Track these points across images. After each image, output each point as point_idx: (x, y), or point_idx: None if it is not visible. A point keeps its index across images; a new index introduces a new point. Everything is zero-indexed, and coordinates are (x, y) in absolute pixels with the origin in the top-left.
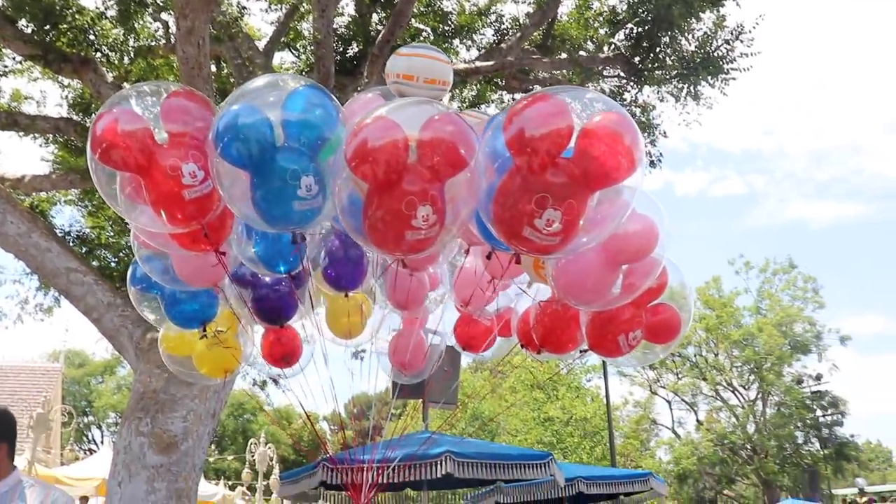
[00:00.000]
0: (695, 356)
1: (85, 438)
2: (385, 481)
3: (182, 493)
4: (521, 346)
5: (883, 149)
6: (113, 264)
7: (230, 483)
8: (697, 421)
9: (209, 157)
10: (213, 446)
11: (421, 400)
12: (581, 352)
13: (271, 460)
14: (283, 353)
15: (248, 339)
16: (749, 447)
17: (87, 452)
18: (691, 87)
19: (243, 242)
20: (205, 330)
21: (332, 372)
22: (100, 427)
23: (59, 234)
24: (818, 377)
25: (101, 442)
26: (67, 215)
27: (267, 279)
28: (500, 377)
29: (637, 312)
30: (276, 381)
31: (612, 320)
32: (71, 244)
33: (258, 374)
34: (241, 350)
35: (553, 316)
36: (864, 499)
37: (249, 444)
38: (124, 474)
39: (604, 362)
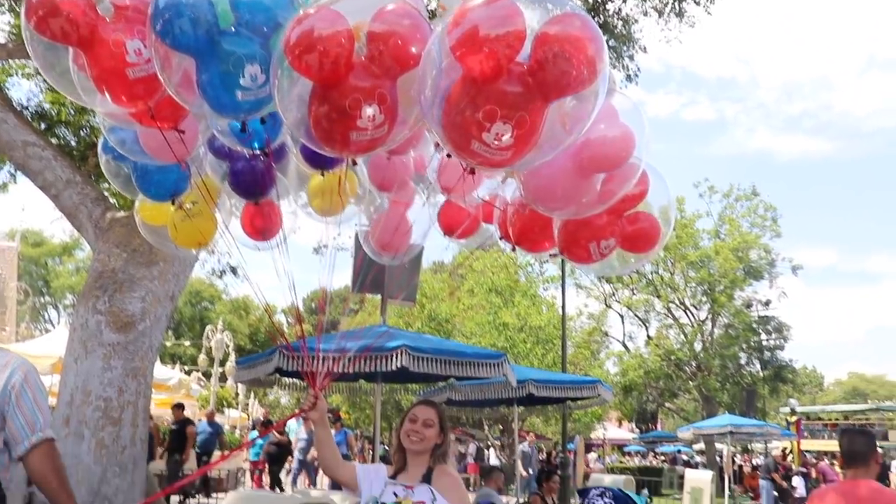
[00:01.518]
0: (651, 274)
1: (41, 318)
2: (340, 371)
3: (138, 371)
4: (500, 237)
5: (854, 88)
6: (73, 143)
7: (186, 368)
8: (648, 336)
9: (147, 37)
10: (169, 332)
11: (380, 296)
12: (551, 255)
13: (228, 348)
14: (263, 227)
15: (226, 212)
16: (694, 364)
17: (43, 332)
18: (676, 3)
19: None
20: (175, 202)
21: (294, 265)
22: (56, 308)
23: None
24: (767, 303)
25: (58, 322)
26: (25, 89)
27: (244, 152)
28: (460, 279)
29: (612, 220)
30: (234, 271)
31: (585, 226)
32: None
33: (217, 262)
34: (216, 222)
35: (529, 215)
36: (794, 418)
37: (206, 330)
38: (81, 351)
39: (562, 274)
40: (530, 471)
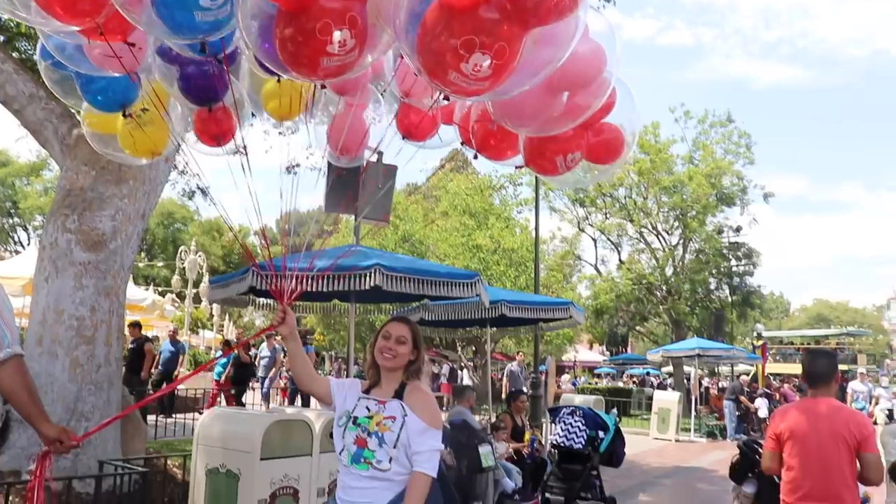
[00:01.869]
0: (624, 198)
1: (10, 240)
2: (310, 289)
3: (110, 290)
4: (462, 143)
5: (830, 15)
6: (35, 57)
7: (160, 290)
8: (619, 260)
9: None
10: (142, 254)
11: (353, 216)
12: (517, 167)
13: (201, 269)
14: (214, 132)
15: (177, 118)
16: (664, 289)
17: (13, 253)
18: None
19: None
20: (125, 112)
21: (266, 187)
22: (25, 229)
23: None
24: (738, 229)
25: (28, 243)
26: None
27: (195, 57)
28: (434, 202)
29: (578, 133)
30: (204, 192)
31: (552, 139)
32: None
33: (186, 183)
34: (169, 130)
35: (489, 122)
36: (760, 342)
37: (180, 251)
38: (51, 270)
39: (536, 196)
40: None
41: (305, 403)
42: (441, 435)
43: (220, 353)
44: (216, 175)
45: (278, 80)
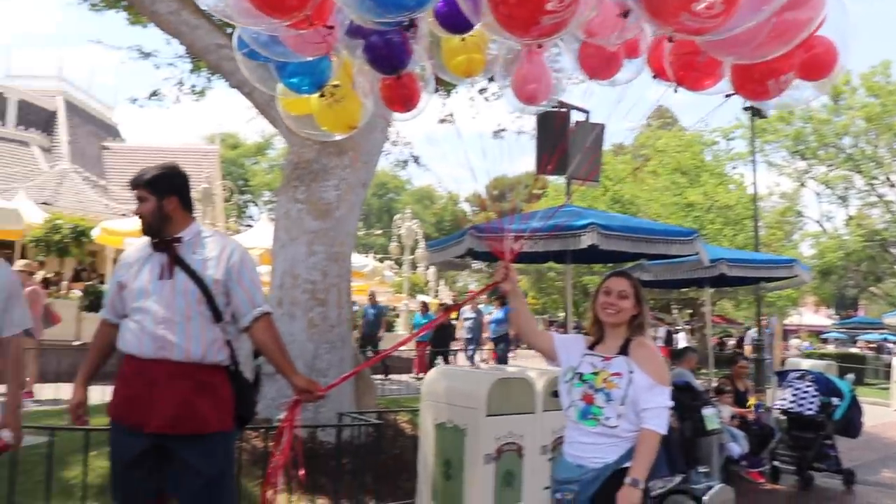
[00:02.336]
0: (851, 147)
1: (244, 214)
2: (529, 249)
3: (338, 256)
4: (654, 77)
5: None
6: None
7: (378, 257)
8: (847, 216)
9: None
10: (360, 223)
11: (563, 178)
12: (725, 96)
13: (417, 235)
14: (402, 98)
15: (368, 92)
16: None
17: (247, 227)
18: None
19: None
20: (322, 91)
21: (474, 152)
22: (256, 204)
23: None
24: None
25: (258, 217)
26: None
27: (379, 28)
28: (643, 161)
29: (790, 51)
30: (416, 161)
31: (763, 62)
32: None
33: (399, 153)
34: (362, 103)
35: (692, 49)
36: None
37: (395, 219)
38: (285, 238)
39: (752, 149)
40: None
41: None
42: (669, 392)
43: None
44: (427, 144)
45: (462, 39)
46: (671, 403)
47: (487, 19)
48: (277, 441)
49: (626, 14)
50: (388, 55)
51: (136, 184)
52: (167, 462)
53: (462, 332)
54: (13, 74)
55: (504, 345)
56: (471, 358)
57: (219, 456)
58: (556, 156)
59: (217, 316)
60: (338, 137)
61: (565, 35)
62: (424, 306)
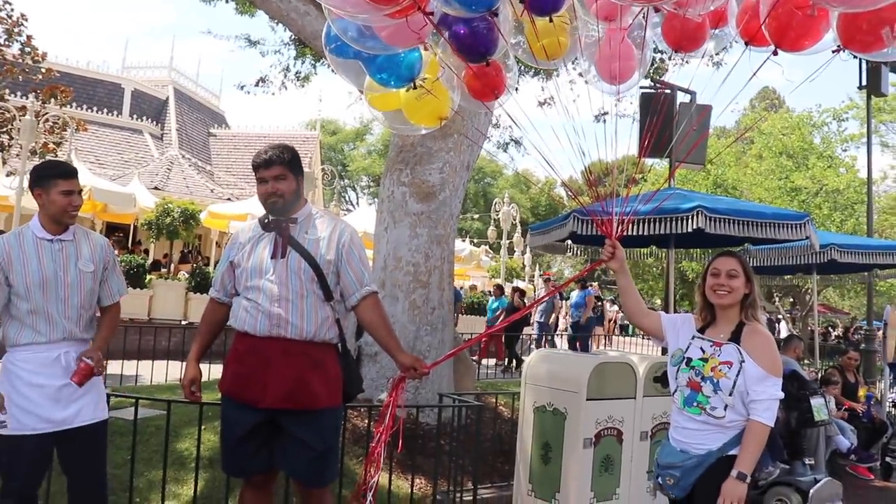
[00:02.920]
0: None
1: (343, 199)
2: (635, 233)
3: (441, 238)
4: (746, 43)
5: None
6: None
7: (475, 241)
8: None
9: None
10: None
11: (667, 160)
12: (833, 51)
13: (514, 220)
14: (488, 86)
15: (455, 83)
16: None
17: (346, 211)
18: None
19: None
20: (413, 84)
21: (573, 137)
22: (354, 189)
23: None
24: None
25: (357, 203)
26: None
27: (466, 17)
28: (747, 143)
29: None
30: (517, 143)
31: (874, 11)
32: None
33: (500, 135)
34: (449, 94)
35: (789, 8)
36: None
37: (494, 203)
38: (389, 220)
39: (867, 127)
40: None
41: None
42: (781, 383)
43: (496, 301)
44: (529, 126)
45: (550, 20)
46: (781, 395)
47: None
48: (381, 420)
49: None
50: (475, 43)
51: (276, 162)
52: (277, 436)
53: (535, 317)
54: (128, 66)
55: (584, 330)
56: (538, 342)
57: (328, 431)
58: (661, 139)
59: (328, 295)
60: (425, 131)
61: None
62: (499, 289)
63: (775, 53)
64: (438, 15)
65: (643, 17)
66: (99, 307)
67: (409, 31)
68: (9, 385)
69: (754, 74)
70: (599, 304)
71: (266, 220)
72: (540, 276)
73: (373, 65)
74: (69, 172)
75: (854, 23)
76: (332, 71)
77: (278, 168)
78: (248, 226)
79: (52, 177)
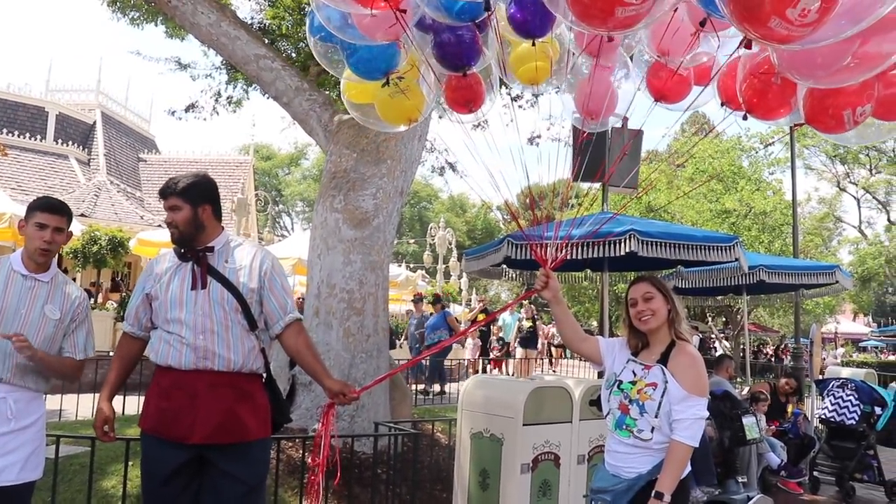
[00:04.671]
0: (893, 150)
1: (277, 225)
2: (568, 257)
3: (376, 265)
4: (722, 104)
5: None
6: (293, 55)
7: (411, 266)
8: (889, 221)
9: None
10: None
11: (600, 184)
12: (795, 125)
13: (450, 244)
14: (466, 98)
15: (431, 87)
16: None
17: (280, 237)
18: None
19: None
20: (387, 79)
21: (507, 160)
22: (289, 214)
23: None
24: None
25: (292, 228)
26: (248, 9)
27: (450, 24)
28: (678, 169)
29: (868, 83)
30: (453, 167)
31: (838, 92)
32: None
33: (436, 160)
34: (424, 98)
35: (766, 77)
36: None
37: (429, 228)
38: (322, 247)
39: (791, 156)
40: None
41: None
42: (705, 402)
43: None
44: (463, 152)
45: (533, 44)
46: (705, 414)
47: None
48: (315, 450)
49: (703, 23)
50: (456, 52)
51: (169, 192)
52: (205, 473)
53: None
54: (53, 89)
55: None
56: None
57: (260, 464)
58: (594, 164)
59: (252, 324)
60: (397, 129)
61: (639, 28)
62: (438, 299)
63: (745, 118)
64: (417, 15)
65: (628, 58)
66: None
67: (381, 25)
68: None
69: (693, 109)
70: (532, 325)
71: (182, 251)
72: (478, 301)
73: (350, 54)
74: (50, 206)
75: (820, 101)
76: (317, 59)
77: (172, 199)
78: (162, 256)
79: (32, 208)
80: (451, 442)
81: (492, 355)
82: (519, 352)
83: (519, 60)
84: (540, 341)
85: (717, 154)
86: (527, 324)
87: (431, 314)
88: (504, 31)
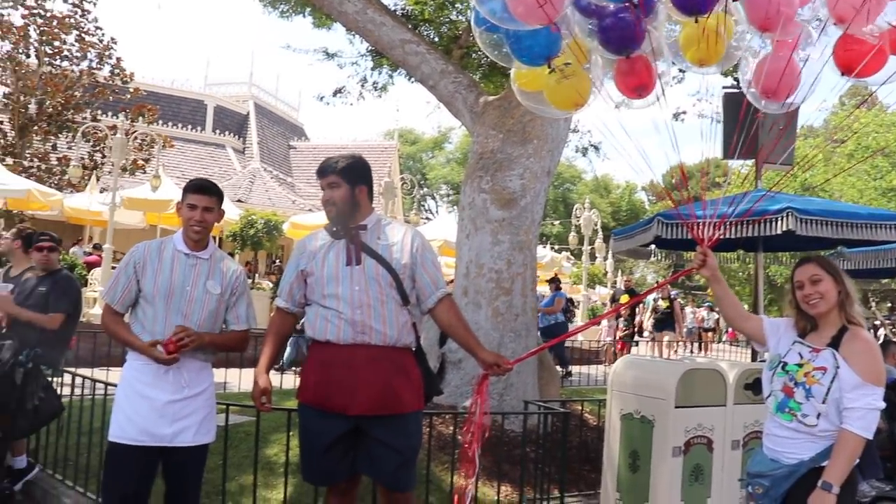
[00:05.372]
0: None
1: (422, 208)
2: (723, 235)
3: (523, 245)
4: None
5: None
6: (436, 39)
7: (555, 247)
8: None
9: None
10: None
11: (753, 161)
12: None
13: (595, 225)
14: (635, 84)
15: (598, 72)
16: None
17: (426, 220)
18: None
19: None
20: (550, 65)
21: (653, 139)
22: (434, 198)
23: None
24: None
25: (437, 211)
26: None
27: (611, 7)
28: (837, 144)
29: None
30: (596, 148)
31: None
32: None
33: (580, 140)
34: (591, 83)
35: None
36: None
37: (574, 209)
38: (471, 228)
39: None
40: None
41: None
42: (881, 392)
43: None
44: (609, 132)
45: (696, 20)
46: (881, 405)
47: None
48: (468, 425)
49: None
50: (617, 34)
51: (329, 171)
52: (361, 442)
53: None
54: (210, 83)
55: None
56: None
57: (414, 435)
58: (746, 140)
59: (405, 299)
60: (565, 115)
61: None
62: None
63: None
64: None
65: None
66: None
67: (535, 9)
68: (122, 392)
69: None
70: (668, 306)
71: (334, 229)
72: (624, 282)
73: (512, 42)
74: (200, 187)
75: None
76: (483, 50)
77: (331, 176)
78: (314, 234)
79: (185, 190)
80: (600, 423)
81: (616, 336)
82: (656, 335)
83: (688, 41)
84: (678, 325)
85: (882, 128)
86: (663, 304)
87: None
88: (672, 9)
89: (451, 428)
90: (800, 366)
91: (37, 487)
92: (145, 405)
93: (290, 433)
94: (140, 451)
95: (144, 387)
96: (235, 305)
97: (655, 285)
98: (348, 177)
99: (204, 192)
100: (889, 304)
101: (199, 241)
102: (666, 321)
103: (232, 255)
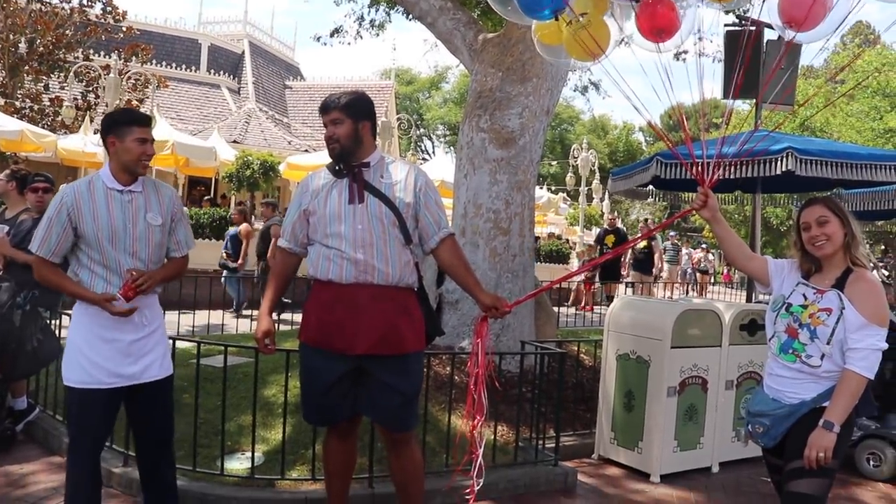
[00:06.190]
0: None
1: (419, 148)
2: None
3: (521, 185)
4: None
5: None
6: None
7: (552, 188)
8: None
9: None
10: None
11: (753, 101)
12: None
13: (593, 166)
14: (658, 26)
15: (618, 18)
16: None
17: (423, 160)
18: None
19: None
20: (557, 18)
21: (650, 78)
22: (430, 138)
23: None
24: None
25: (433, 152)
26: None
27: None
28: (836, 84)
29: None
30: (596, 87)
31: None
32: None
33: (579, 79)
34: (609, 31)
35: None
36: None
37: (572, 149)
38: (469, 167)
39: None
40: None
41: None
42: (884, 333)
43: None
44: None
45: None
46: (884, 346)
47: None
48: (472, 359)
49: None
50: None
51: (332, 106)
52: (362, 382)
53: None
54: (204, 21)
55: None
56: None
57: (415, 375)
58: (747, 79)
59: (407, 238)
60: (584, 65)
61: None
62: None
63: None
64: None
65: None
66: (167, 259)
67: None
68: (80, 338)
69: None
70: (646, 247)
71: (336, 167)
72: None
73: None
74: (145, 119)
75: None
76: (493, 7)
77: (334, 112)
78: (316, 173)
79: (127, 123)
80: (596, 363)
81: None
82: (632, 275)
83: None
84: (655, 267)
85: (885, 67)
86: (641, 245)
87: None
88: None
89: (448, 368)
90: (804, 307)
91: (38, 428)
92: (110, 348)
93: (289, 374)
94: (110, 392)
95: (105, 330)
96: (175, 231)
97: (650, 229)
98: (352, 112)
99: (148, 124)
100: (882, 247)
101: (136, 176)
102: (644, 262)
103: (224, 196)
